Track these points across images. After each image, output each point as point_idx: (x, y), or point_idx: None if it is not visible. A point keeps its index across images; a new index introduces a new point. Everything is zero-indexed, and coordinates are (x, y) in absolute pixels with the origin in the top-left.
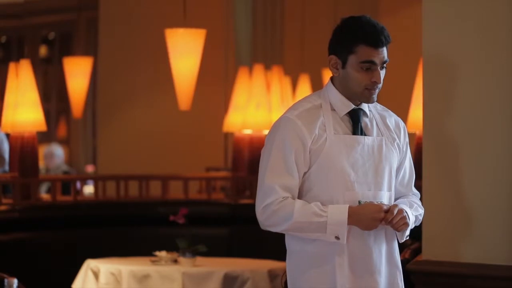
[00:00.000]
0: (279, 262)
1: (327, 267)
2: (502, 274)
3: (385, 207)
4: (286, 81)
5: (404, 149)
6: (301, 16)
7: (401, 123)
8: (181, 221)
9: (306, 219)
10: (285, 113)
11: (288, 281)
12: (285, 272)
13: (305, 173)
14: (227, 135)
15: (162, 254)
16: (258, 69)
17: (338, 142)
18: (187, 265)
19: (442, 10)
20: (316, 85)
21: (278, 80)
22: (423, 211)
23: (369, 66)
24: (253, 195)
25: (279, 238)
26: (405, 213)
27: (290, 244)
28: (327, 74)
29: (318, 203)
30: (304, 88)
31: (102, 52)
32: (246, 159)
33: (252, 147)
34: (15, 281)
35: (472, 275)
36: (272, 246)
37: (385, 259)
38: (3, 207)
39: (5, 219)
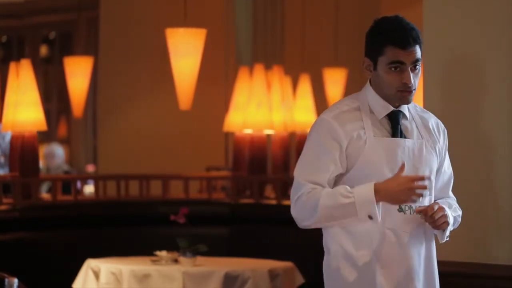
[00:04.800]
0: (279, 262)
1: (367, 271)
2: (503, 274)
3: (412, 176)
4: (287, 81)
5: (443, 153)
6: (302, 15)
7: (441, 126)
8: (181, 220)
9: (333, 202)
10: (322, 114)
11: (325, 283)
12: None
13: (342, 176)
14: (228, 135)
15: (163, 253)
16: (259, 68)
17: (378, 145)
18: (188, 265)
19: (443, 10)
20: (317, 84)
21: (279, 79)
22: (461, 213)
23: (398, 67)
24: (253, 195)
25: (279, 238)
26: (446, 211)
27: (328, 245)
28: (327, 74)
29: (346, 186)
30: (305, 87)
31: (103, 52)
32: (247, 159)
33: (252, 146)
34: (15, 281)
35: (472, 275)
36: (272, 246)
37: (424, 263)
38: (3, 207)
39: (5, 218)
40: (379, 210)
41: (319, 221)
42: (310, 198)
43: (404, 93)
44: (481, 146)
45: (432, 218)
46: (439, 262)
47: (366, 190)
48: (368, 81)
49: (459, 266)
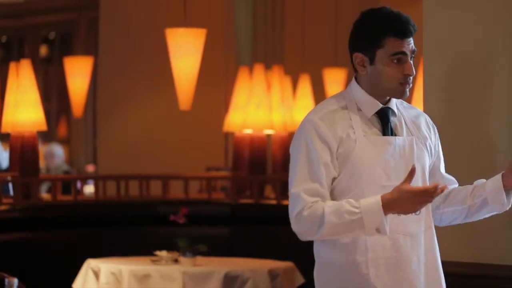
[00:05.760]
0: (279, 262)
1: (361, 278)
2: (503, 274)
3: (414, 188)
4: (287, 81)
5: (437, 148)
6: (301, 16)
7: (430, 121)
8: (181, 220)
9: (339, 219)
10: (307, 116)
11: None
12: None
13: (335, 179)
14: (228, 135)
15: (163, 253)
16: (259, 68)
17: (368, 145)
18: (188, 265)
19: (443, 9)
20: (317, 85)
21: (279, 79)
22: None
23: (400, 58)
24: (253, 195)
25: (279, 238)
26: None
27: (319, 253)
28: (327, 74)
29: (350, 200)
30: (304, 87)
31: (102, 52)
32: (247, 159)
33: (252, 146)
34: (15, 281)
35: (472, 275)
36: (272, 246)
37: (424, 265)
38: (3, 207)
39: (5, 219)
40: (387, 222)
41: (323, 236)
42: (312, 213)
43: (404, 85)
44: (483, 146)
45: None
46: (443, 263)
47: (373, 205)
48: (354, 78)
49: (463, 267)
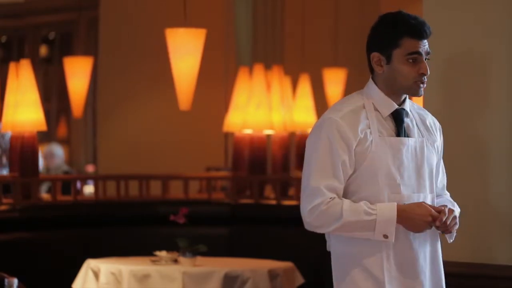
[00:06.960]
0: (279, 262)
1: (375, 270)
2: (503, 274)
3: (433, 212)
4: (286, 81)
5: (440, 151)
6: (301, 16)
7: (437, 123)
8: (181, 220)
9: (355, 218)
10: (328, 114)
11: (334, 284)
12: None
13: (350, 176)
14: (228, 135)
15: (163, 253)
16: (258, 69)
17: (383, 145)
18: (188, 265)
19: (443, 9)
20: (317, 85)
21: (278, 80)
22: (459, 210)
23: (415, 58)
24: (253, 195)
25: (279, 238)
26: (455, 212)
27: (335, 246)
28: (327, 74)
29: (366, 202)
30: (304, 88)
31: (102, 52)
32: (247, 159)
33: (252, 147)
34: (15, 281)
35: (472, 275)
36: (272, 246)
37: (430, 261)
38: (3, 207)
39: (5, 218)
40: (394, 230)
41: (333, 232)
42: (330, 208)
43: (419, 84)
44: (482, 146)
45: (445, 224)
46: (443, 263)
47: (388, 210)
48: (371, 79)
49: (460, 267)
